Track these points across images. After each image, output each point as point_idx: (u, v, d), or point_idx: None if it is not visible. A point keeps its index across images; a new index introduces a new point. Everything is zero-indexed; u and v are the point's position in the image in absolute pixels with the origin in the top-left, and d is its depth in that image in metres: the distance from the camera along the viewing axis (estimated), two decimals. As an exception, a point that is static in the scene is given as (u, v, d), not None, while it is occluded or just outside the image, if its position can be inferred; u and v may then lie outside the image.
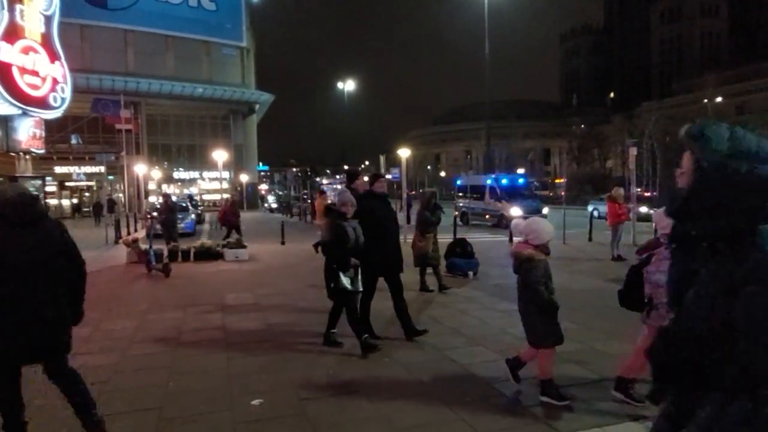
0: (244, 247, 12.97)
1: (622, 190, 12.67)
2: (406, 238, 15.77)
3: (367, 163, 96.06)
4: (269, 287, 9.06)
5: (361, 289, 5.28)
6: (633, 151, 16.33)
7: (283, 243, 16.12)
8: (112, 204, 25.91)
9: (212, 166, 43.91)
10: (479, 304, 7.39)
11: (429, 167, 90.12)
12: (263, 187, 75.84)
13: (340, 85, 48.53)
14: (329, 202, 5.15)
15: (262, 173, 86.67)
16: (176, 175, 49.66)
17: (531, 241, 3.96)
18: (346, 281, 5.05)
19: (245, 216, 35.42)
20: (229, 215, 14.68)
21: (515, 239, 6.39)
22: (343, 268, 5.06)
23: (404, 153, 16.99)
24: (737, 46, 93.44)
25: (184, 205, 22.21)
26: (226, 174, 45.62)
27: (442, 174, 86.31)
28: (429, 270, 8.52)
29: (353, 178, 6.40)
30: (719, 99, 49.51)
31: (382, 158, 23.92)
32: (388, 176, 35.09)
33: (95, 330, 6.38)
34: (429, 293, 8.16)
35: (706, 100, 48.82)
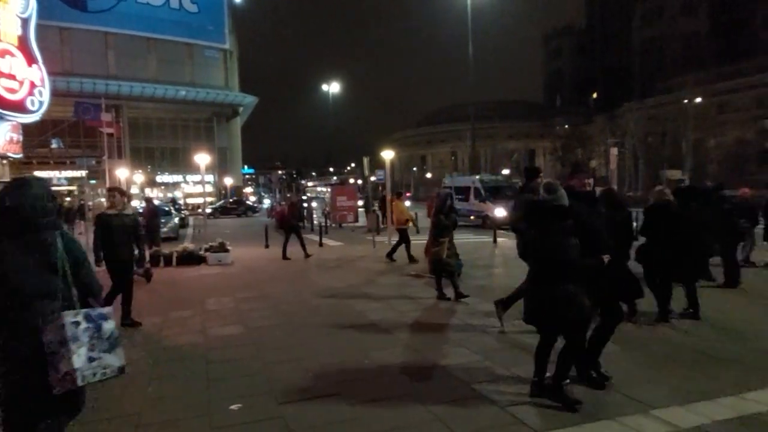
0: (227, 251, 12.88)
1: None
2: (391, 240, 15.83)
3: (353, 164, 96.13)
4: (251, 291, 9.02)
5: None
6: (614, 151, 16.61)
7: (267, 246, 16.06)
8: (82, 210, 24.67)
9: (196, 170, 43.50)
10: (462, 305, 7.41)
11: (415, 168, 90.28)
12: (248, 190, 75.40)
13: (324, 87, 48.48)
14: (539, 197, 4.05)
15: (247, 176, 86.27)
16: (159, 178, 49.24)
17: None
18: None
19: (228, 221, 35.20)
20: (288, 218, 14.10)
21: None
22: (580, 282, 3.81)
23: (388, 155, 16.96)
24: (718, 46, 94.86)
25: (167, 209, 22.00)
26: (209, 177, 45.30)
27: (428, 175, 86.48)
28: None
29: (534, 175, 5.64)
30: (699, 99, 50.21)
31: (366, 160, 23.90)
32: (373, 178, 35.07)
33: (73, 337, 6.29)
34: (446, 301, 7.60)
35: (686, 101, 49.48)
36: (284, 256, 13.19)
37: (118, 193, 6.81)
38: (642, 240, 6.49)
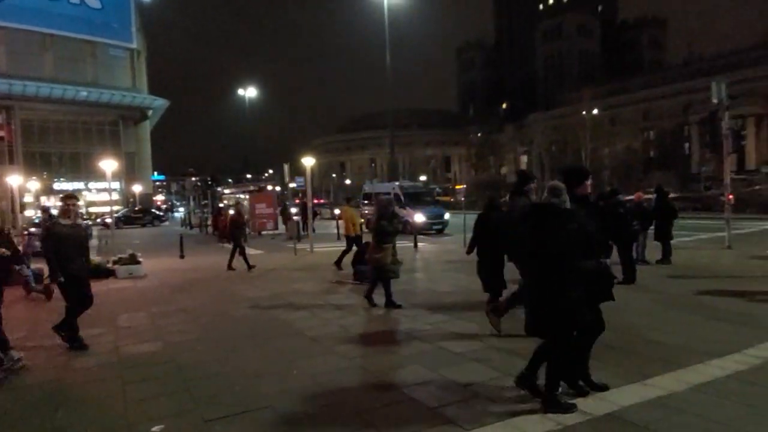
0: (138, 262, 12.17)
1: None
2: (313, 249, 15.74)
3: (270, 171, 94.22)
4: (168, 305, 8.58)
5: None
6: (523, 159, 17.55)
7: (182, 257, 15.38)
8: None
9: (100, 176, 40.73)
10: (387, 310, 7.51)
11: (334, 175, 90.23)
12: (159, 197, 71.65)
13: (241, 91, 47.22)
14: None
15: (158, 183, 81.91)
16: (57, 186, 45.39)
17: None
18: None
19: (136, 232, 33.24)
20: (232, 227, 12.97)
21: None
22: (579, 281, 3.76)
23: (309, 162, 16.84)
24: (609, 63, 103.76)
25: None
26: (116, 184, 42.53)
27: (348, 182, 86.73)
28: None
29: (529, 181, 5.69)
30: (595, 111, 54.51)
31: (286, 167, 23.57)
32: (292, 185, 34.47)
33: (-38, 363, 5.66)
34: (373, 307, 7.63)
35: (583, 113, 53.54)
36: (249, 267, 12.43)
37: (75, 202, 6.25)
38: None
